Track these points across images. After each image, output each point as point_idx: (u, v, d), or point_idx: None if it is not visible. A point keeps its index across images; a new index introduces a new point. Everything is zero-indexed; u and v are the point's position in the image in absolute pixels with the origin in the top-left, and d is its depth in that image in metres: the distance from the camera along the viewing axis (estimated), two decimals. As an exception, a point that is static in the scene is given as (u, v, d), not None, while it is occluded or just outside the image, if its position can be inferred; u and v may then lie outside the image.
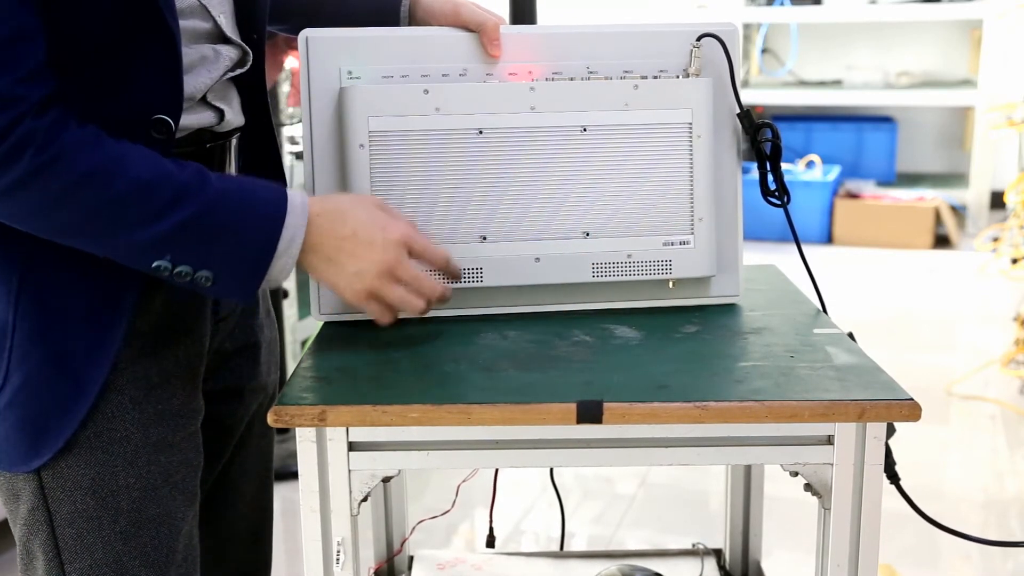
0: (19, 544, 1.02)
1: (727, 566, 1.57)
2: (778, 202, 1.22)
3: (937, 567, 2.27)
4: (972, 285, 4.31)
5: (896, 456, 1.06)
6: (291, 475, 2.60)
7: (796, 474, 1.01)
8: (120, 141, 0.93)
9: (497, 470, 1.44)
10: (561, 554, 1.62)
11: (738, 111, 1.23)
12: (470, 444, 1.00)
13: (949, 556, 2.32)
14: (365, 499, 1.01)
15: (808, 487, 1.01)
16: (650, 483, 2.65)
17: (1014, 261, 3.71)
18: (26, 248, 0.95)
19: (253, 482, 1.22)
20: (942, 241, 4.95)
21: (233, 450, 1.18)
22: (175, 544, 1.04)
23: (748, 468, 1.51)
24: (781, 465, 1.01)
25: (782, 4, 5.37)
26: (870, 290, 4.22)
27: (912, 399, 0.97)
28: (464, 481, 1.47)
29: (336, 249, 1.00)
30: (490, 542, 1.55)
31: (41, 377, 0.96)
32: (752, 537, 1.54)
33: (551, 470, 1.56)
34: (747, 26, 5.51)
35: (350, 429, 0.98)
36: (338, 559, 1.01)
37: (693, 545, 1.60)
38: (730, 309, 1.24)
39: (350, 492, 1.00)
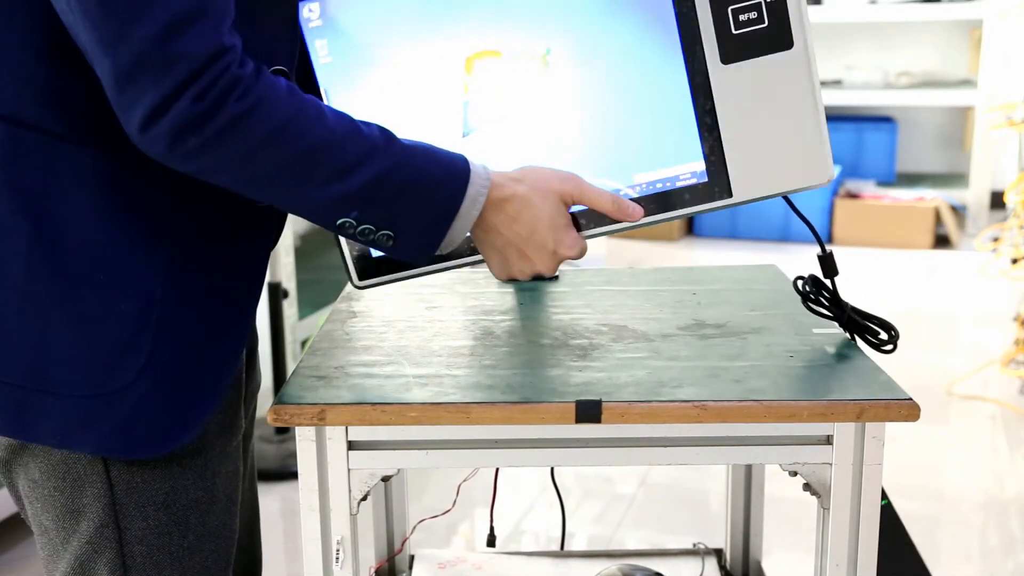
0: (72, 562, 0.98)
1: (728, 566, 1.57)
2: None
3: (937, 567, 2.26)
4: (972, 285, 4.31)
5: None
6: (291, 475, 2.60)
7: (795, 474, 1.01)
8: (307, 95, 0.92)
9: (497, 470, 1.44)
10: (561, 554, 1.62)
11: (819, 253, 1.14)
12: (469, 443, 1.00)
13: (949, 556, 2.32)
14: (364, 498, 1.01)
15: (807, 487, 1.01)
16: (650, 483, 2.65)
17: (1014, 261, 3.71)
18: (167, 220, 0.95)
19: (247, 482, 1.23)
20: (942, 241, 4.95)
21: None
22: (230, 556, 1.04)
23: (748, 468, 1.51)
24: (780, 465, 1.01)
25: (782, 4, 5.37)
26: (870, 290, 4.22)
27: (911, 399, 0.97)
28: (464, 481, 1.47)
29: (508, 242, 1.01)
30: (491, 542, 1.55)
31: (190, 351, 0.95)
32: (753, 537, 1.54)
33: (551, 470, 1.56)
34: (747, 26, 5.50)
35: (349, 428, 0.98)
36: (337, 558, 1.01)
37: (694, 545, 1.60)
38: (730, 308, 1.24)
39: (349, 491, 1.00)
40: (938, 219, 4.92)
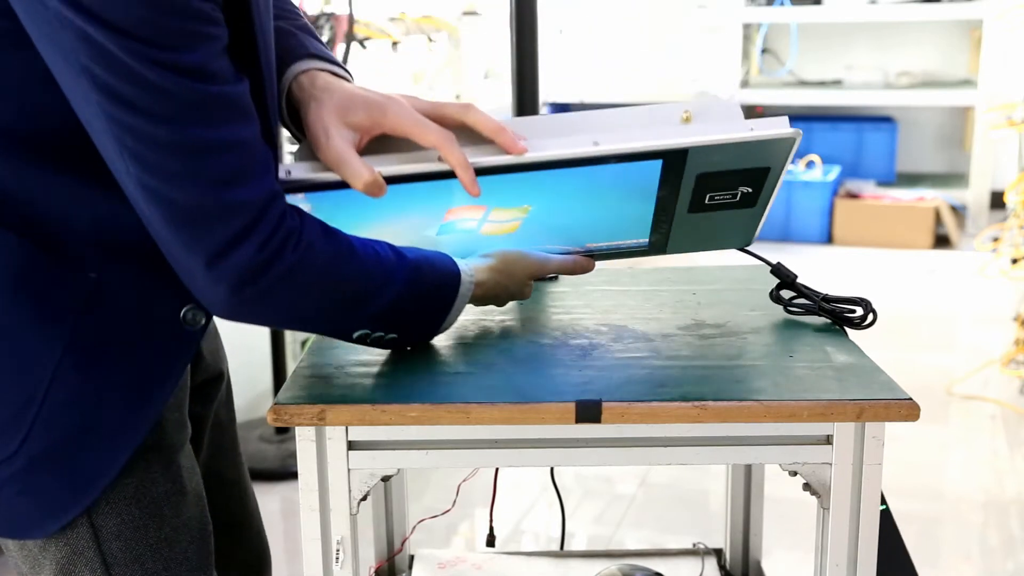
0: (54, 568, 0.98)
1: (727, 566, 1.57)
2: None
3: (937, 566, 2.27)
4: (972, 285, 4.31)
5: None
6: (291, 475, 2.60)
7: (795, 474, 1.01)
8: (332, 227, 0.96)
9: (497, 470, 1.44)
10: (561, 554, 1.62)
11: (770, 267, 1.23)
12: (469, 443, 1.00)
13: (949, 556, 2.32)
14: (364, 498, 1.01)
15: (807, 487, 1.01)
16: (650, 483, 2.65)
17: (1014, 261, 3.71)
18: (73, 321, 0.93)
19: (239, 466, 1.24)
20: (942, 241, 4.95)
21: (216, 443, 1.19)
22: (210, 548, 1.05)
23: (748, 468, 1.51)
24: (780, 465, 1.01)
25: (782, 4, 5.37)
26: (870, 290, 4.22)
27: (911, 399, 0.97)
28: (464, 481, 1.47)
29: (489, 301, 1.14)
30: (490, 542, 1.55)
31: (66, 448, 0.93)
32: (752, 537, 1.54)
33: (551, 470, 1.56)
34: (747, 26, 5.51)
35: (349, 428, 0.98)
36: (337, 558, 1.01)
37: (693, 545, 1.60)
38: (730, 308, 1.24)
39: (349, 491, 1.00)
40: (938, 219, 4.93)
